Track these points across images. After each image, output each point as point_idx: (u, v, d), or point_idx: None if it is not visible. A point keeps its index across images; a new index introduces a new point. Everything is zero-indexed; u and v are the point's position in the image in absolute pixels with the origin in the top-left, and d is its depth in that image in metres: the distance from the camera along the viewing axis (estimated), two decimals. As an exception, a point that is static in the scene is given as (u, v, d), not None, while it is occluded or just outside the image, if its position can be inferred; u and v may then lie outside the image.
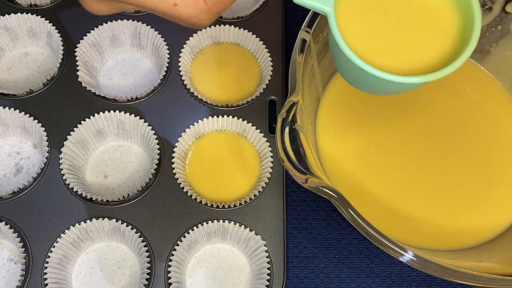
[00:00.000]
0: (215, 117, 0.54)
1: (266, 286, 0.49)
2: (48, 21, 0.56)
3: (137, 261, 0.50)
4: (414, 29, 0.37)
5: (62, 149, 0.51)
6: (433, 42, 0.37)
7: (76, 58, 0.55)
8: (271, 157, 0.52)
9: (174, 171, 0.52)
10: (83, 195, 0.50)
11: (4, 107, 0.53)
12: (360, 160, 0.52)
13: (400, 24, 0.37)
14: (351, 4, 0.37)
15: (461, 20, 0.37)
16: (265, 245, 0.50)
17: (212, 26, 0.57)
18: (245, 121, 0.54)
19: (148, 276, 0.48)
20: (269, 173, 0.52)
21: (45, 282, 0.47)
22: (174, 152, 0.52)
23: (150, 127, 0.53)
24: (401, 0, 0.38)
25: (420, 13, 0.38)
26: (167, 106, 0.55)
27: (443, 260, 0.39)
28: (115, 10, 0.37)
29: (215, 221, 0.50)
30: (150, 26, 0.57)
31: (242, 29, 0.58)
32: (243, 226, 0.50)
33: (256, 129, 0.54)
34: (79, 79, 0.54)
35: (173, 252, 0.49)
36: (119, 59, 0.59)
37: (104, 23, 0.56)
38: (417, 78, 0.35)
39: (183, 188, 0.51)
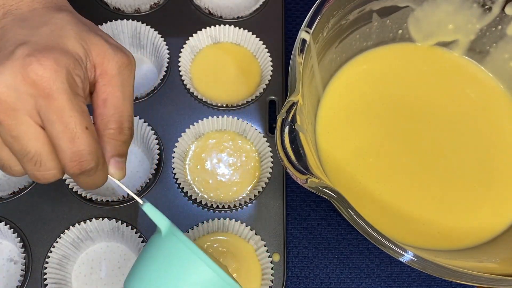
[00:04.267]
0: (215, 117, 0.54)
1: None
2: (48, 21, 0.56)
3: (137, 261, 0.50)
4: None
5: (62, 149, 0.51)
6: None
7: (76, 58, 0.55)
8: (271, 157, 0.52)
9: (174, 171, 0.52)
10: (83, 195, 0.50)
11: (4, 107, 0.53)
12: (360, 160, 0.52)
13: None
14: None
15: None
16: (265, 245, 0.50)
17: (212, 26, 0.57)
18: (245, 121, 0.54)
19: (148, 276, 0.48)
20: (269, 173, 0.52)
21: (45, 282, 0.47)
22: (174, 152, 0.52)
23: (150, 127, 0.53)
24: None
25: None
26: (167, 106, 0.55)
27: (443, 260, 0.39)
28: None
29: (216, 219, 0.50)
30: (150, 26, 0.56)
31: (242, 29, 0.58)
32: (243, 226, 0.50)
33: (256, 129, 0.54)
34: (79, 79, 0.54)
35: (173, 252, 0.49)
36: (119, 59, 0.59)
37: (104, 23, 0.56)
38: None
39: (183, 188, 0.51)
